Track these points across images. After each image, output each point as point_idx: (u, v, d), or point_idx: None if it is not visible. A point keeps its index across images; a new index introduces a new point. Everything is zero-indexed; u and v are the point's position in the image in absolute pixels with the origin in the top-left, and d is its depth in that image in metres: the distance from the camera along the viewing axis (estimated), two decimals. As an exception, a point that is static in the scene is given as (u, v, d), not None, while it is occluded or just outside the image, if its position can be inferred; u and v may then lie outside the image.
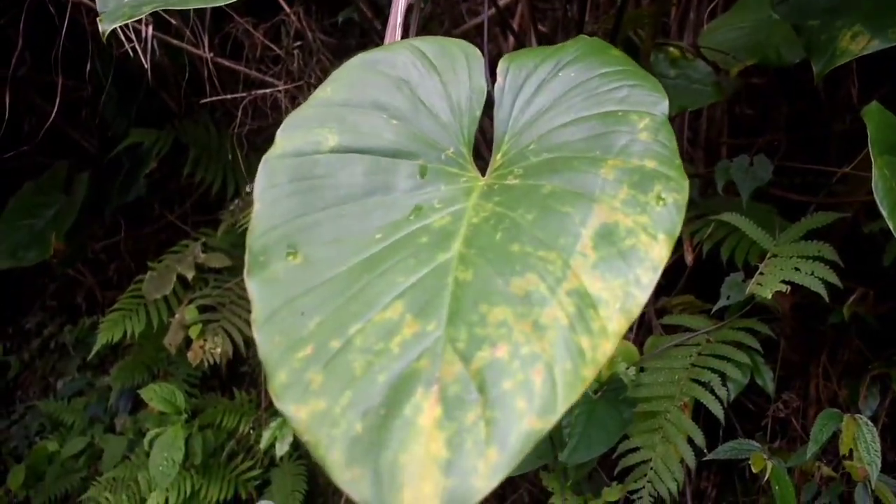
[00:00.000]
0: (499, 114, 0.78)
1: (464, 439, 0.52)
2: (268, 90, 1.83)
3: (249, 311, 0.67)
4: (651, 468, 1.16)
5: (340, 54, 1.98)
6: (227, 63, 1.89)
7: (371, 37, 2.05)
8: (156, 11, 0.93)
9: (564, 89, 0.77)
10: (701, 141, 1.97)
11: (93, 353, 2.11)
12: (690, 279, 1.45)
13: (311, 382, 0.59)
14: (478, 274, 0.63)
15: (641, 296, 0.59)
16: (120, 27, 1.05)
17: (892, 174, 0.95)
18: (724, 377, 1.17)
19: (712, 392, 1.16)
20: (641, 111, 0.73)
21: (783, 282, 1.06)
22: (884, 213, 0.91)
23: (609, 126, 0.72)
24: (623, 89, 0.75)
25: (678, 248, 1.50)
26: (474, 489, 0.50)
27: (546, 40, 1.76)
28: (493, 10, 1.42)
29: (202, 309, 1.97)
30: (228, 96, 1.80)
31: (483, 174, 0.77)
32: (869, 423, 1.06)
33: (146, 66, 1.61)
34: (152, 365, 2.35)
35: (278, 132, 0.77)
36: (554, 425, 0.53)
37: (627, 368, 1.21)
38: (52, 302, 3.06)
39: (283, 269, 0.68)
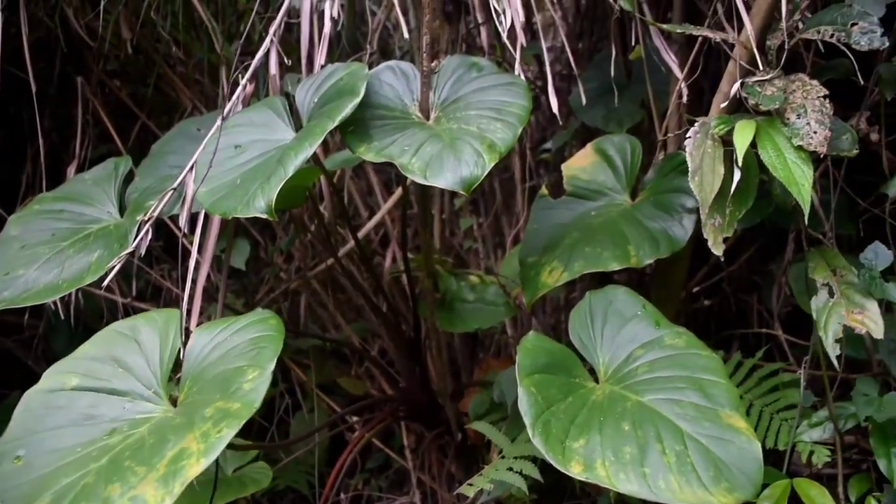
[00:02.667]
0: (185, 364, 1.22)
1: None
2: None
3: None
4: None
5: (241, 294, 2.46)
6: (143, 305, 2.39)
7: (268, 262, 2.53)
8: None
9: (228, 348, 1.20)
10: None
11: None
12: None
13: None
14: (104, 477, 1.04)
15: (171, 500, 0.97)
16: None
17: (537, 390, 1.31)
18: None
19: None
20: (255, 366, 1.15)
21: (491, 480, 1.39)
22: (527, 422, 1.26)
23: (233, 376, 1.15)
24: (255, 350, 1.17)
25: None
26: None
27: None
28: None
29: None
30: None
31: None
32: None
33: (62, 315, 2.10)
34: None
35: (44, 374, 1.22)
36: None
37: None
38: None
39: (8, 468, 1.10)
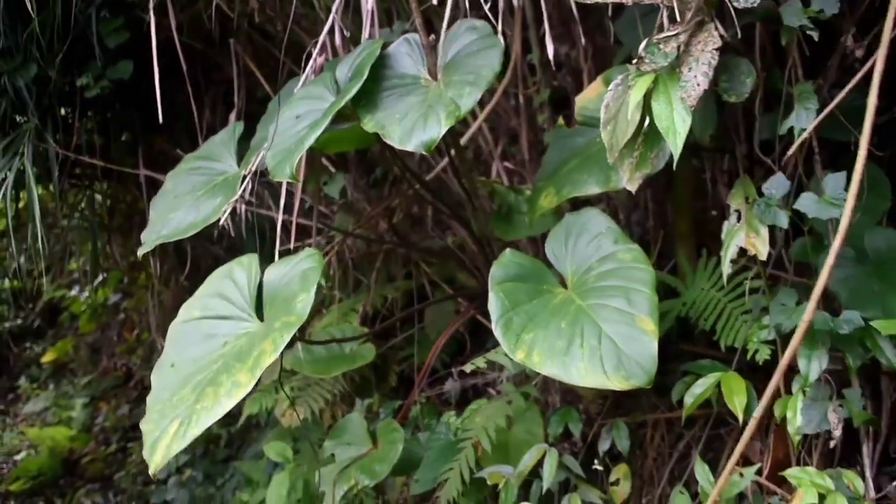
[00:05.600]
0: (265, 291, 1.91)
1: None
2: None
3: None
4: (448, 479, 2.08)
5: (374, 201, 3.13)
6: (298, 220, 3.17)
7: (401, 185, 3.15)
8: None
9: (288, 279, 1.90)
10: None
11: (240, 422, 3.47)
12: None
13: (163, 408, 1.74)
14: (220, 371, 1.74)
15: (254, 380, 1.65)
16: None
17: (505, 294, 1.80)
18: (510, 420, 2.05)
19: (487, 434, 2.05)
20: (304, 290, 1.81)
21: (486, 360, 1.94)
22: (493, 318, 1.78)
23: (291, 298, 1.79)
24: (303, 279, 1.81)
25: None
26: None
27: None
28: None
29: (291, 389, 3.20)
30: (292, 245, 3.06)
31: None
32: (554, 451, 1.88)
33: (232, 232, 2.93)
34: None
35: (181, 308, 1.97)
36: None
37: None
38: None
39: (167, 370, 1.88)
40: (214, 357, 1.83)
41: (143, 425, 1.76)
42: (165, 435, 1.71)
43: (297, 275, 1.87)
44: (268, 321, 1.87)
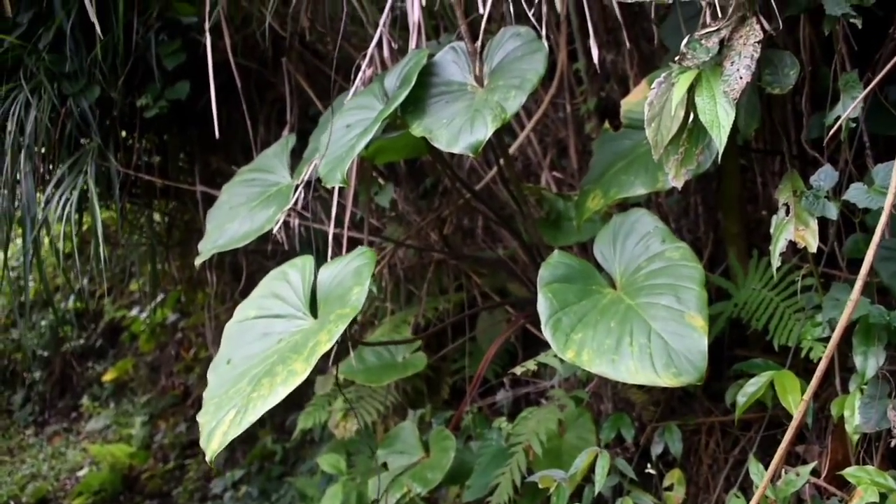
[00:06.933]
0: (318, 291, 1.95)
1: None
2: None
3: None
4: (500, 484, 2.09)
5: (424, 212, 3.19)
6: (350, 233, 3.25)
7: (451, 196, 3.22)
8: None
9: (342, 277, 1.94)
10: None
11: (295, 435, 3.54)
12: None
13: (220, 401, 1.81)
14: (276, 363, 1.79)
15: (309, 368, 1.70)
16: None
17: (553, 295, 1.83)
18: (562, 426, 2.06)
19: (538, 439, 2.06)
20: (358, 284, 1.84)
21: (537, 363, 1.96)
22: (542, 319, 1.80)
23: (346, 293, 1.86)
24: (357, 274, 1.86)
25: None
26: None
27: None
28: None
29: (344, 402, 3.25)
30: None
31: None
32: (606, 454, 1.89)
33: (285, 245, 3.02)
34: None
35: (237, 309, 2.04)
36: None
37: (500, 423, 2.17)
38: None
39: (223, 368, 1.94)
40: (270, 353, 1.89)
41: (200, 418, 1.82)
42: (222, 424, 1.76)
43: (350, 271, 1.93)
44: (322, 316, 1.92)
